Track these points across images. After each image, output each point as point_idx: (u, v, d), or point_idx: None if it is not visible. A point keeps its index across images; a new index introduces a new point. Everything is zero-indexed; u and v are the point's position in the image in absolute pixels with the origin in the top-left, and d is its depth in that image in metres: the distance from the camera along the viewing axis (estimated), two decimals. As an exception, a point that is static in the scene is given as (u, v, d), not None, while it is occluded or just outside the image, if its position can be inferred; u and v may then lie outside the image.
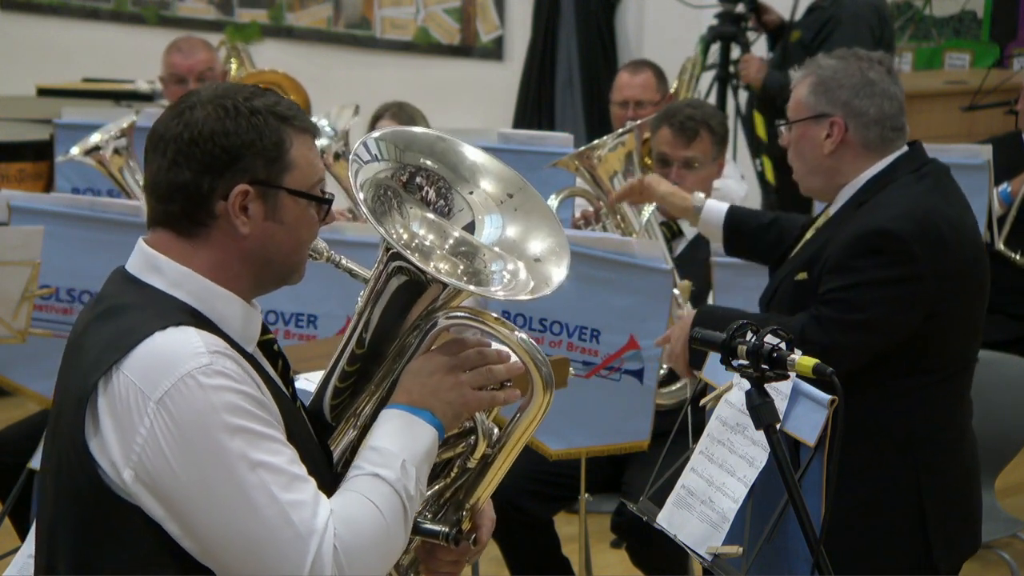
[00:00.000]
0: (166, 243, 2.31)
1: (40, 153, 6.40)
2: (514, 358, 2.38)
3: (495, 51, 9.32)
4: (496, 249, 2.43)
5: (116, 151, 5.10)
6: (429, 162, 2.44)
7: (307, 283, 3.99)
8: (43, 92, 8.48)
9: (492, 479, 2.46)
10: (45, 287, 4.33)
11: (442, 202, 2.43)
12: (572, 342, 4.18)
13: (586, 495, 4.33)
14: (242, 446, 2.17)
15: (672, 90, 6.41)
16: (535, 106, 8.94)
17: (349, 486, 2.28)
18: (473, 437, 2.45)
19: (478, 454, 2.43)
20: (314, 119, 5.53)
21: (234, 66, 7.62)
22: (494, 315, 2.38)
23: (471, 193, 2.45)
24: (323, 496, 2.23)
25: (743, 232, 4.00)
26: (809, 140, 3.65)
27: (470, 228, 2.45)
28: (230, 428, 2.17)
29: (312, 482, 2.23)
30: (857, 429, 3.38)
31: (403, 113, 5.51)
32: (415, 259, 2.30)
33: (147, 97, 7.87)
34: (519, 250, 2.43)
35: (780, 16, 7.47)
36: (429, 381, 2.35)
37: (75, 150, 5.16)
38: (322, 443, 2.41)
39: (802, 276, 3.56)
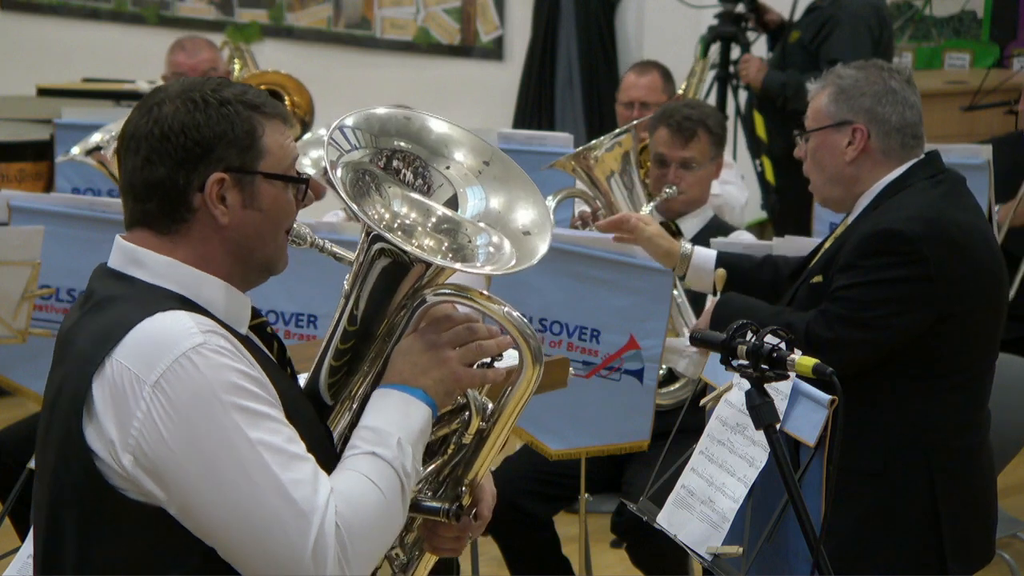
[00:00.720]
0: (145, 241, 2.33)
1: (40, 153, 6.39)
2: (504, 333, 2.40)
3: (495, 51, 9.32)
4: (481, 224, 2.43)
5: (117, 151, 5.10)
6: (403, 143, 2.44)
7: (307, 283, 4.02)
8: (43, 92, 8.48)
9: (489, 453, 2.47)
10: (45, 287, 4.33)
11: (420, 180, 2.44)
12: (572, 342, 4.18)
13: (586, 495, 4.33)
14: (240, 424, 2.18)
15: (680, 91, 6.41)
16: (535, 106, 8.94)
17: (347, 465, 2.29)
18: (467, 413, 2.45)
19: (472, 429, 2.44)
20: (314, 129, 5.56)
21: (237, 67, 7.62)
22: (481, 291, 2.38)
23: (448, 168, 2.46)
24: (323, 475, 2.23)
25: (737, 274, 3.99)
26: (829, 148, 3.65)
27: (453, 202, 2.45)
28: (227, 407, 2.18)
29: (312, 461, 2.23)
30: (872, 430, 3.40)
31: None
32: (396, 239, 2.31)
33: (147, 97, 7.85)
34: (504, 222, 2.44)
35: (780, 16, 7.47)
36: (420, 360, 2.35)
37: (75, 150, 5.15)
38: (322, 422, 2.42)
39: (817, 279, 3.58)
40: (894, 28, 7.96)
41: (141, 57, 9.37)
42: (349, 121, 2.40)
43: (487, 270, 2.41)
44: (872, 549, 3.43)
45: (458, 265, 2.37)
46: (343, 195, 2.31)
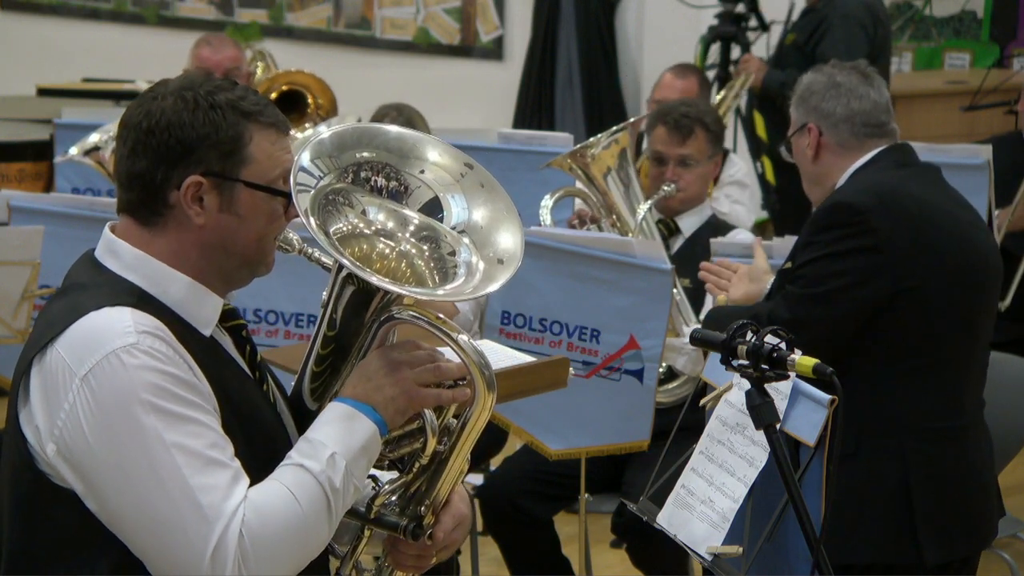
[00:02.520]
0: (127, 229, 2.37)
1: (40, 153, 6.39)
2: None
3: (495, 51, 9.32)
4: (464, 239, 2.43)
5: (115, 151, 5.09)
6: (366, 153, 2.44)
7: (307, 284, 4.01)
8: (43, 92, 8.48)
9: (447, 476, 2.46)
10: (45, 287, 4.32)
11: (395, 183, 2.44)
12: (572, 342, 4.18)
13: (586, 495, 4.33)
14: (158, 426, 2.20)
15: (715, 103, 6.40)
16: (535, 106, 8.94)
17: (273, 475, 2.30)
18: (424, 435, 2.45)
19: (429, 451, 2.43)
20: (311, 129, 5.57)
21: (260, 69, 7.62)
22: (438, 315, 2.37)
23: (423, 172, 2.45)
24: (242, 484, 2.24)
25: None
26: (799, 153, 3.80)
27: (435, 206, 2.45)
28: (147, 407, 2.21)
29: (232, 468, 2.24)
30: (844, 413, 3.40)
31: (402, 117, 5.51)
32: (359, 270, 2.31)
33: (147, 97, 7.85)
34: (483, 243, 2.43)
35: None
36: (375, 376, 2.36)
37: (74, 150, 5.15)
38: (304, 428, 2.42)
39: (787, 265, 3.64)
40: (894, 28, 7.96)
41: (141, 57, 9.38)
42: (305, 156, 2.38)
43: (453, 297, 2.43)
44: (846, 532, 3.42)
45: (417, 292, 2.37)
46: (309, 222, 2.31)
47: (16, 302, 4.23)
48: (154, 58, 9.52)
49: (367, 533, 2.53)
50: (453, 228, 2.44)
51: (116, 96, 8.05)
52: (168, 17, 10.37)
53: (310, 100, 6.57)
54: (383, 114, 5.59)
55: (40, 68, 9.79)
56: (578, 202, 4.98)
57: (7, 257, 4.19)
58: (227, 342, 2.42)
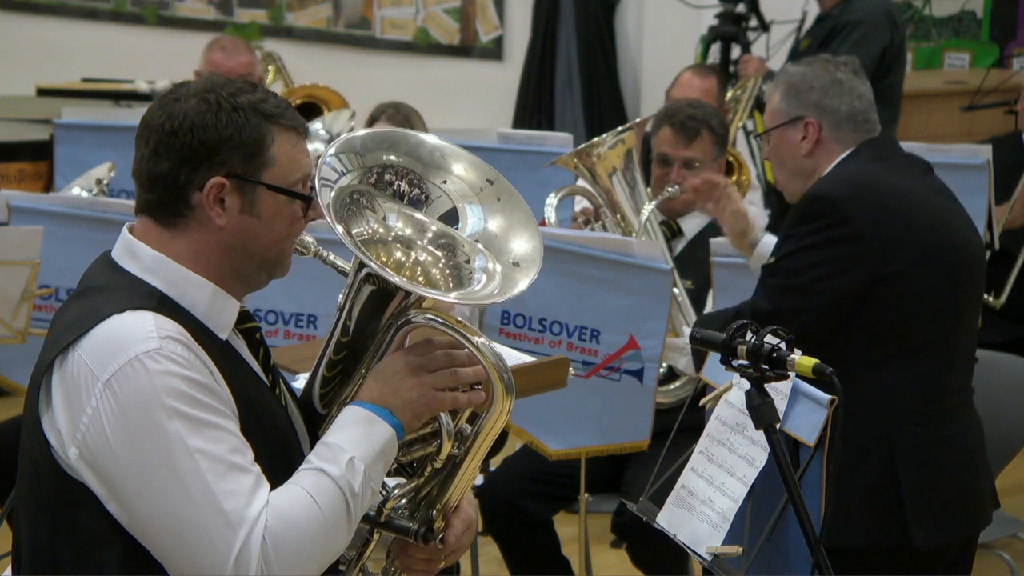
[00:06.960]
0: (147, 230, 2.37)
1: (40, 153, 6.38)
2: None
3: (495, 51, 9.32)
4: (479, 245, 2.44)
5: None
6: (393, 157, 2.45)
7: (307, 283, 4.02)
8: (43, 92, 8.46)
9: (461, 480, 2.46)
10: (45, 287, 4.33)
11: (417, 191, 2.45)
12: (572, 342, 4.18)
13: (586, 495, 4.33)
14: (181, 431, 2.21)
15: (727, 99, 6.39)
16: (535, 106, 8.94)
17: (293, 479, 2.31)
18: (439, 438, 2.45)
19: (443, 455, 2.44)
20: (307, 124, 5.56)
21: (271, 73, 7.61)
22: (460, 319, 2.38)
23: (445, 182, 2.47)
24: (264, 488, 2.25)
25: None
26: (787, 144, 3.78)
27: (452, 216, 2.46)
28: (171, 412, 2.21)
29: (254, 473, 2.25)
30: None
31: (399, 114, 5.51)
32: (381, 270, 2.32)
33: (146, 97, 7.87)
34: (499, 249, 2.44)
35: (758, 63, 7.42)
36: (392, 380, 2.37)
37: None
38: (312, 432, 2.43)
39: (771, 261, 3.66)
40: (905, 32, 7.95)
41: (140, 57, 9.37)
42: (331, 150, 2.40)
43: (462, 299, 2.43)
44: (835, 516, 3.41)
45: (438, 295, 2.38)
46: (335, 226, 2.32)
47: (16, 302, 4.23)
48: (154, 58, 9.53)
49: (374, 538, 2.53)
50: (469, 237, 2.44)
51: (116, 96, 8.04)
52: (167, 17, 10.37)
53: (326, 112, 6.55)
54: (380, 112, 5.59)
55: (40, 68, 9.79)
56: (579, 199, 4.98)
57: (7, 257, 4.20)
58: (241, 345, 2.43)
